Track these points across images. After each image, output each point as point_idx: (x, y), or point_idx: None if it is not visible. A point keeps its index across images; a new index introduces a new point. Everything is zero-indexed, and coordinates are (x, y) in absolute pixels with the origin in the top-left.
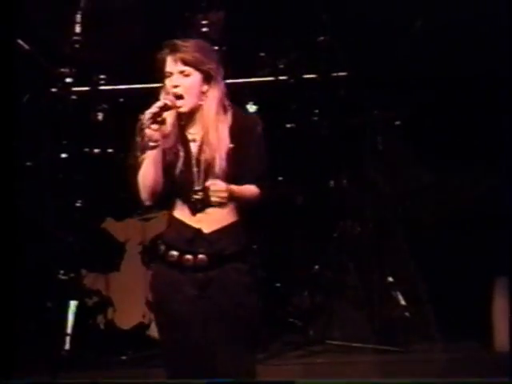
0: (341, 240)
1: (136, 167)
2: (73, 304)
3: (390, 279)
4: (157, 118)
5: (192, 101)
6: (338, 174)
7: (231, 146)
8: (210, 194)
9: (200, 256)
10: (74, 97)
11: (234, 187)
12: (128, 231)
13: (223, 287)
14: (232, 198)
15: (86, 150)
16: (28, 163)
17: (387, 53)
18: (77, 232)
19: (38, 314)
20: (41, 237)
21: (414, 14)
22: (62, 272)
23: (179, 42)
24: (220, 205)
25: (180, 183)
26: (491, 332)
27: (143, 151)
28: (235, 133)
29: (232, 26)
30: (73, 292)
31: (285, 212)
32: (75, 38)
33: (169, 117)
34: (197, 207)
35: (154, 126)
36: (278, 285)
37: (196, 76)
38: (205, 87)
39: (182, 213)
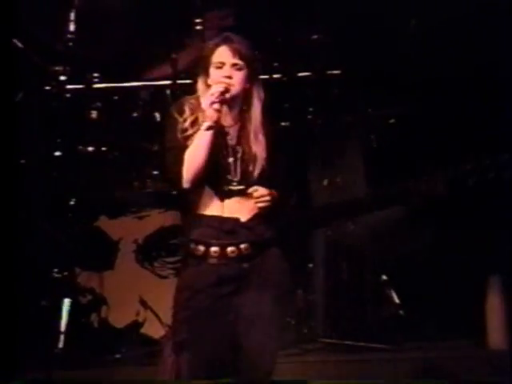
0: (334, 238)
1: (178, 149)
2: (66, 302)
3: (384, 277)
4: (220, 99)
5: (236, 93)
6: (332, 173)
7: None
8: (255, 200)
9: (242, 246)
10: (68, 95)
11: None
12: (122, 229)
13: (267, 273)
14: (274, 200)
15: (80, 148)
16: (22, 161)
17: (381, 51)
18: (70, 230)
19: (31, 313)
20: (34, 235)
21: (408, 13)
22: (55, 270)
23: (233, 35)
24: (264, 209)
25: (214, 171)
26: (485, 330)
27: (184, 133)
28: None
29: (225, 25)
30: (66, 290)
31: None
32: (69, 36)
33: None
34: (229, 197)
35: (216, 106)
36: None
37: (245, 72)
38: (247, 85)
39: (212, 208)
